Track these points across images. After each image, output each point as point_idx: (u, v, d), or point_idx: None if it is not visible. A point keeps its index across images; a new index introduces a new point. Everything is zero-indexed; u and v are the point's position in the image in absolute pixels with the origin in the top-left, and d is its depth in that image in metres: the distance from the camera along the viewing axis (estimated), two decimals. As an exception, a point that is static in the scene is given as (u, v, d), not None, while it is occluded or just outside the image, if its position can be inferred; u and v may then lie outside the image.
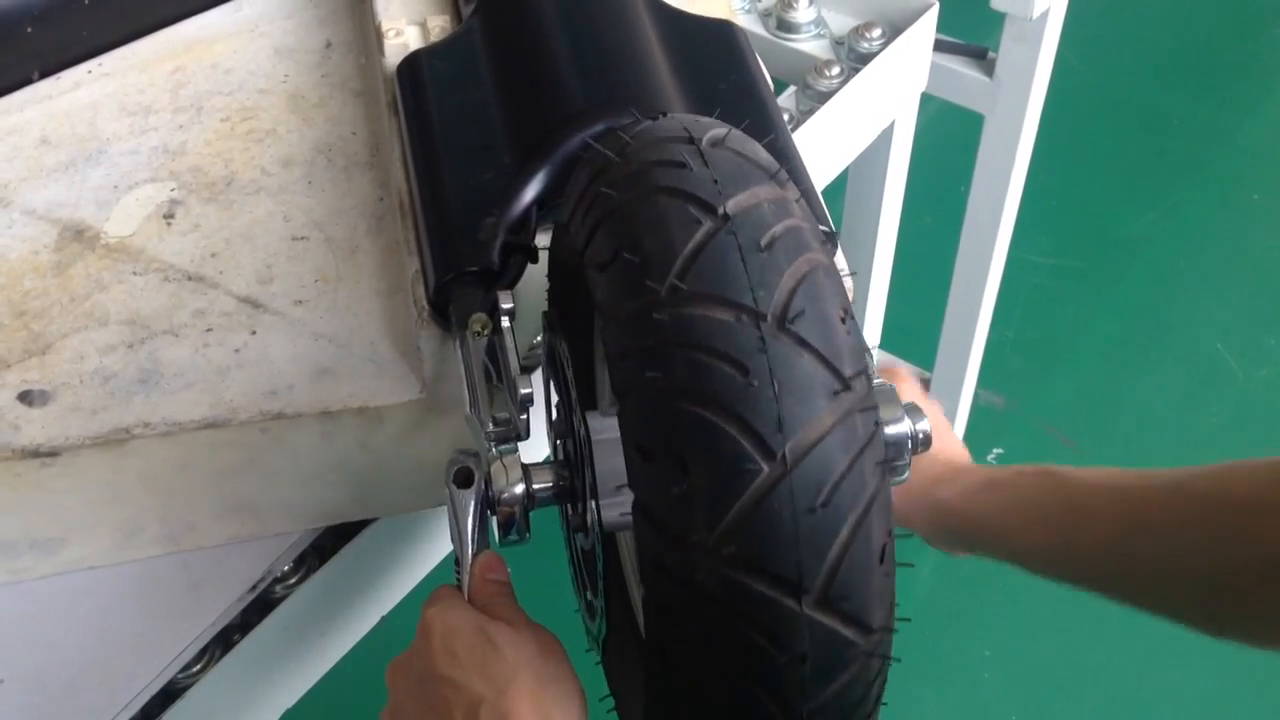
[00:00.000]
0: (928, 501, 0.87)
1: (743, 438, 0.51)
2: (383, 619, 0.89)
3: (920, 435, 0.64)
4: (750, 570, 0.51)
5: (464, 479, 0.66)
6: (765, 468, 0.50)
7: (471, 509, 0.66)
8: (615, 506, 0.63)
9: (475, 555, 0.66)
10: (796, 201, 0.57)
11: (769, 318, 0.52)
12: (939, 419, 0.91)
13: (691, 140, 0.57)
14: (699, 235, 0.53)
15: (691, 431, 0.51)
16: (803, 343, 0.52)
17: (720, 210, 0.54)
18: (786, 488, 0.51)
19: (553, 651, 0.61)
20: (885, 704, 0.58)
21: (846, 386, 0.53)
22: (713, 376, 0.51)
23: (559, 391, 0.72)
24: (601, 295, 0.55)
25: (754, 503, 0.50)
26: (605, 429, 0.64)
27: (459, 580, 0.66)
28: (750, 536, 0.51)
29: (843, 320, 0.54)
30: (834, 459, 0.51)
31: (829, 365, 0.53)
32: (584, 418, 0.64)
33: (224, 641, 0.79)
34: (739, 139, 0.59)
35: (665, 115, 0.61)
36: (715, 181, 0.55)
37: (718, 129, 0.59)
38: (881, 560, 0.53)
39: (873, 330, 1.46)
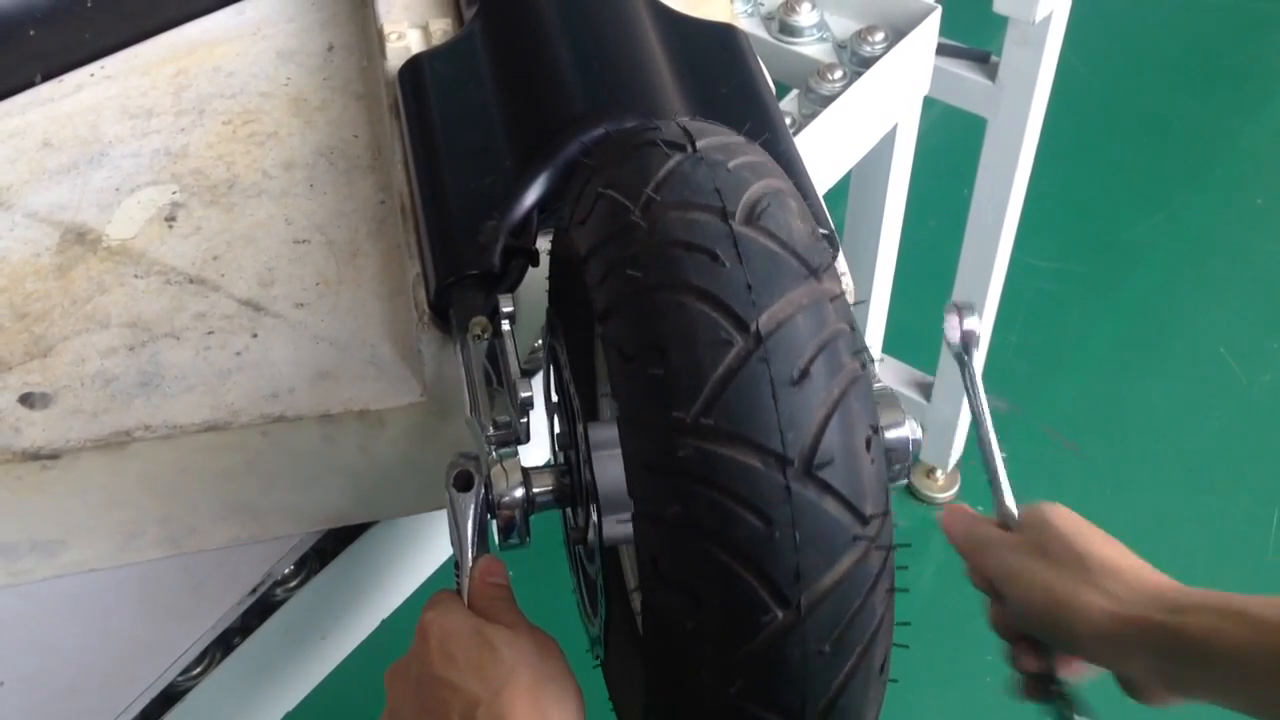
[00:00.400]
0: (1146, 626, 0.67)
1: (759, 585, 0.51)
2: (383, 622, 0.89)
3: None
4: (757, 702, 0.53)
5: (464, 482, 0.66)
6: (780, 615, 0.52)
7: (471, 512, 0.66)
8: (616, 520, 0.63)
9: (475, 559, 0.65)
10: (834, 301, 0.55)
11: (796, 463, 0.51)
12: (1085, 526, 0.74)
13: (724, 215, 0.55)
14: (729, 359, 0.52)
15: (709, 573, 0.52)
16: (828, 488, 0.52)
17: (753, 328, 0.52)
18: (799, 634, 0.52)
19: (550, 653, 0.61)
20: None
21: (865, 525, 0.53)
22: (736, 522, 0.51)
23: (559, 394, 0.72)
24: (621, 392, 0.54)
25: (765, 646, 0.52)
26: (606, 436, 0.64)
27: (459, 584, 0.66)
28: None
29: (868, 445, 0.54)
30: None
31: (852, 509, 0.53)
32: (585, 425, 0.64)
33: (224, 644, 0.79)
34: (776, 210, 0.56)
35: (692, 149, 0.58)
36: (749, 288, 0.53)
37: (754, 192, 0.56)
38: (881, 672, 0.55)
39: (875, 334, 1.46)
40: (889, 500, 0.55)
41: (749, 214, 0.55)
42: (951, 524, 0.77)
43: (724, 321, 0.52)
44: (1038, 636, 0.72)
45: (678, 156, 0.57)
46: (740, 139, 0.60)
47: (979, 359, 0.78)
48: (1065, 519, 0.72)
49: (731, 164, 0.56)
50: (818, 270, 0.55)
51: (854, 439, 0.53)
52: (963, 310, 0.77)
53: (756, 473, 0.51)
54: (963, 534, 0.76)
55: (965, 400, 0.76)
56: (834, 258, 0.75)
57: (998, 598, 0.74)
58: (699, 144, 0.57)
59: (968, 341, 0.77)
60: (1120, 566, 0.69)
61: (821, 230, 0.68)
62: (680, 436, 0.51)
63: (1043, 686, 0.73)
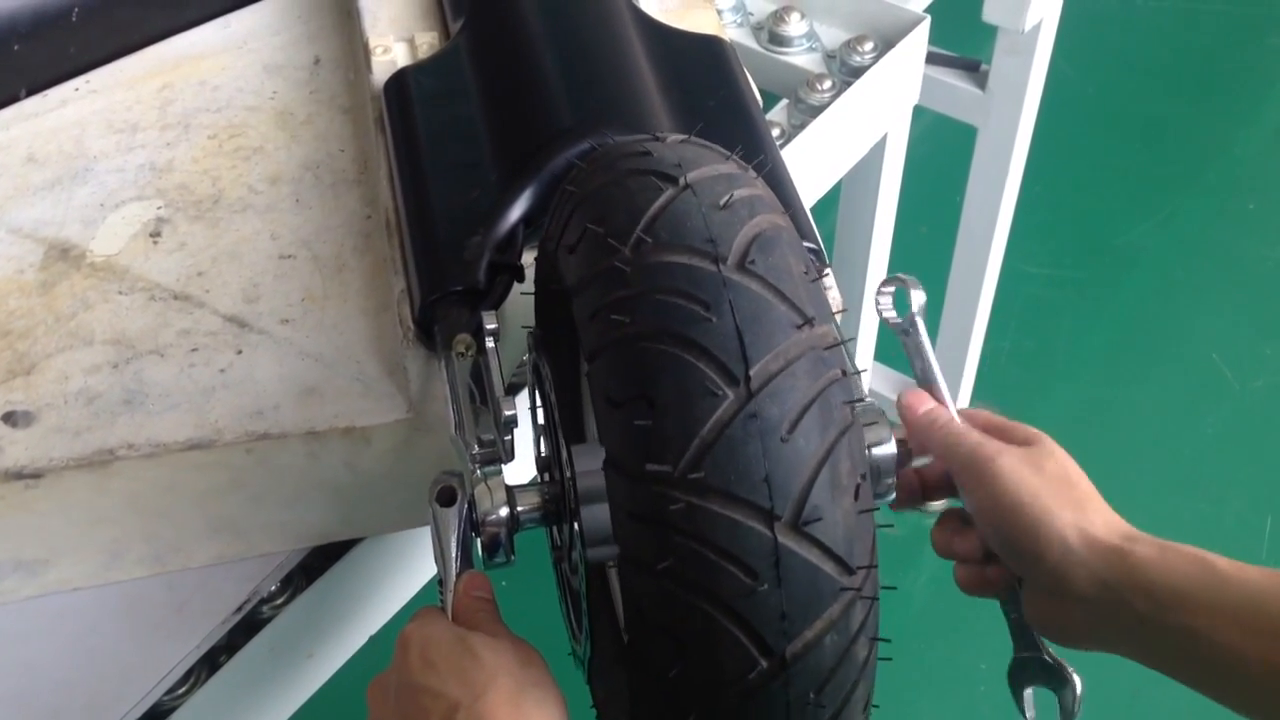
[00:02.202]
0: (1118, 555, 0.65)
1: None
2: (370, 639, 0.88)
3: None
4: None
5: (447, 498, 0.66)
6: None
7: (454, 528, 0.65)
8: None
9: (459, 574, 0.65)
10: (827, 350, 0.55)
11: (784, 518, 0.51)
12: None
13: (715, 260, 0.54)
14: (719, 414, 0.51)
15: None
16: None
17: (742, 384, 0.51)
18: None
19: (533, 660, 0.61)
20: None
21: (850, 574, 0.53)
22: (722, 577, 0.51)
23: (544, 412, 0.72)
24: (609, 440, 0.54)
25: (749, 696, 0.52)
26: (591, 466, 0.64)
27: (443, 600, 0.66)
28: None
29: (856, 495, 0.53)
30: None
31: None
32: (568, 446, 0.64)
33: (210, 663, 0.78)
34: (769, 248, 0.55)
35: (683, 184, 0.57)
36: (741, 341, 0.52)
37: (744, 240, 0.55)
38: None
39: (867, 342, 1.45)
40: (875, 551, 0.55)
41: (741, 259, 0.54)
42: (913, 406, 0.73)
43: (713, 374, 0.51)
44: (994, 543, 0.69)
45: (669, 191, 0.55)
46: (732, 166, 0.59)
47: (972, 366, 0.76)
48: (1065, 452, 0.70)
49: (724, 201, 0.55)
50: (812, 320, 0.54)
51: (843, 493, 0.53)
52: (909, 283, 0.74)
53: (744, 528, 0.51)
54: (926, 419, 0.72)
55: (958, 406, 0.74)
56: (821, 274, 0.75)
57: (946, 494, 0.72)
58: (690, 177, 0.56)
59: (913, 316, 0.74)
60: (1105, 505, 0.68)
61: (808, 245, 0.68)
62: (668, 489, 0.51)
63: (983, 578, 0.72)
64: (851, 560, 0.52)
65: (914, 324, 0.73)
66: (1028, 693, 0.72)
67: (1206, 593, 0.63)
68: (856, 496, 0.53)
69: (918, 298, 0.73)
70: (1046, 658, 0.71)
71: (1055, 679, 0.71)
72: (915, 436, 0.72)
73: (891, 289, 0.74)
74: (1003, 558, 0.70)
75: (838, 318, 0.74)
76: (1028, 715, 0.73)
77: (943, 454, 0.71)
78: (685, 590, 0.51)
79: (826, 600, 0.52)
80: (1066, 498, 0.67)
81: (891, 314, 0.74)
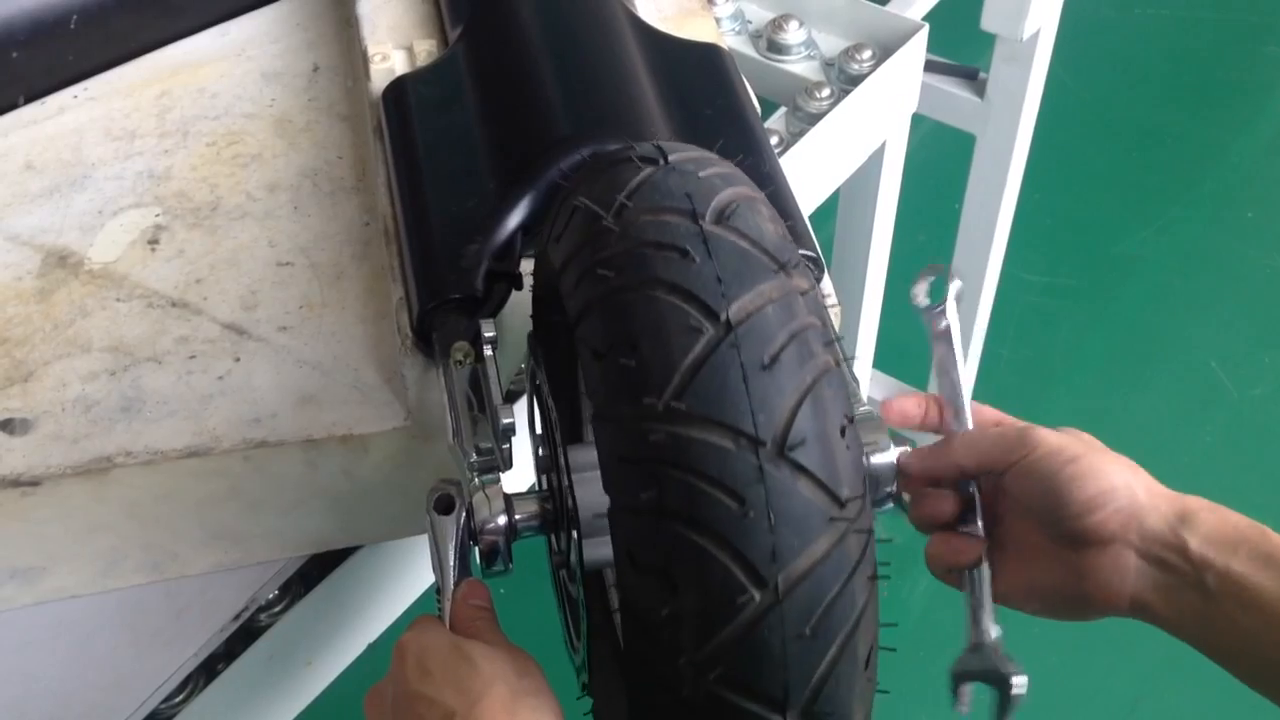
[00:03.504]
0: (1165, 493, 0.68)
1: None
2: (369, 647, 0.88)
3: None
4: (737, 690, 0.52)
5: (445, 506, 0.66)
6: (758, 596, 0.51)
7: (452, 536, 0.65)
8: (599, 541, 0.62)
9: (457, 583, 0.65)
10: (804, 295, 0.56)
11: (769, 444, 0.51)
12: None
13: (694, 216, 0.56)
14: (699, 348, 0.52)
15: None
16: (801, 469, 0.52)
17: (723, 317, 0.52)
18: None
19: (529, 669, 0.61)
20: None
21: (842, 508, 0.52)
22: (709, 504, 0.51)
23: (541, 419, 0.72)
24: (595, 390, 0.54)
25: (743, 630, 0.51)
26: (587, 461, 0.64)
27: (440, 608, 0.66)
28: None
29: (843, 433, 0.54)
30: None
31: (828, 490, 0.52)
32: (565, 450, 0.64)
33: (208, 671, 0.78)
34: (745, 210, 0.57)
35: (665, 162, 0.59)
36: (720, 280, 0.54)
37: (722, 201, 0.57)
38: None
39: (866, 350, 1.45)
40: (866, 486, 0.54)
41: (718, 216, 0.55)
42: (905, 409, 0.75)
43: (694, 312, 0.52)
44: (1042, 502, 0.69)
45: (649, 169, 0.57)
46: (712, 154, 0.60)
47: (971, 373, 0.77)
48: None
49: (702, 173, 0.57)
50: (787, 265, 0.55)
51: (827, 424, 0.53)
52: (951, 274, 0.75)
53: (729, 454, 0.51)
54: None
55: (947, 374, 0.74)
56: (819, 277, 0.75)
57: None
58: (671, 158, 0.58)
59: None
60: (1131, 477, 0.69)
61: (806, 253, 0.68)
62: (652, 423, 0.51)
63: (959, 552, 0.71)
64: (840, 490, 0.52)
65: (946, 311, 0.74)
66: (966, 687, 0.70)
67: (1259, 546, 0.66)
68: (843, 434, 0.53)
69: (955, 286, 0.74)
70: (994, 650, 0.69)
71: (998, 676, 0.68)
72: (972, 441, 0.72)
73: (931, 277, 0.75)
74: (1057, 515, 0.68)
75: (835, 317, 0.75)
76: (962, 710, 0.71)
77: (965, 448, 0.71)
78: (673, 521, 0.51)
79: (816, 529, 0.51)
80: (1118, 460, 0.70)
81: (926, 301, 0.75)
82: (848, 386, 0.56)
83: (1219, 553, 0.66)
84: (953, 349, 0.74)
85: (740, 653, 0.51)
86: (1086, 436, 0.71)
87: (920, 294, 0.75)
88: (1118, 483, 0.68)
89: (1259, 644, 0.65)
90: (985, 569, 0.70)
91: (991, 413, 0.76)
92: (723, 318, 0.52)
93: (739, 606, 0.51)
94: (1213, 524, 0.67)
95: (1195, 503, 0.68)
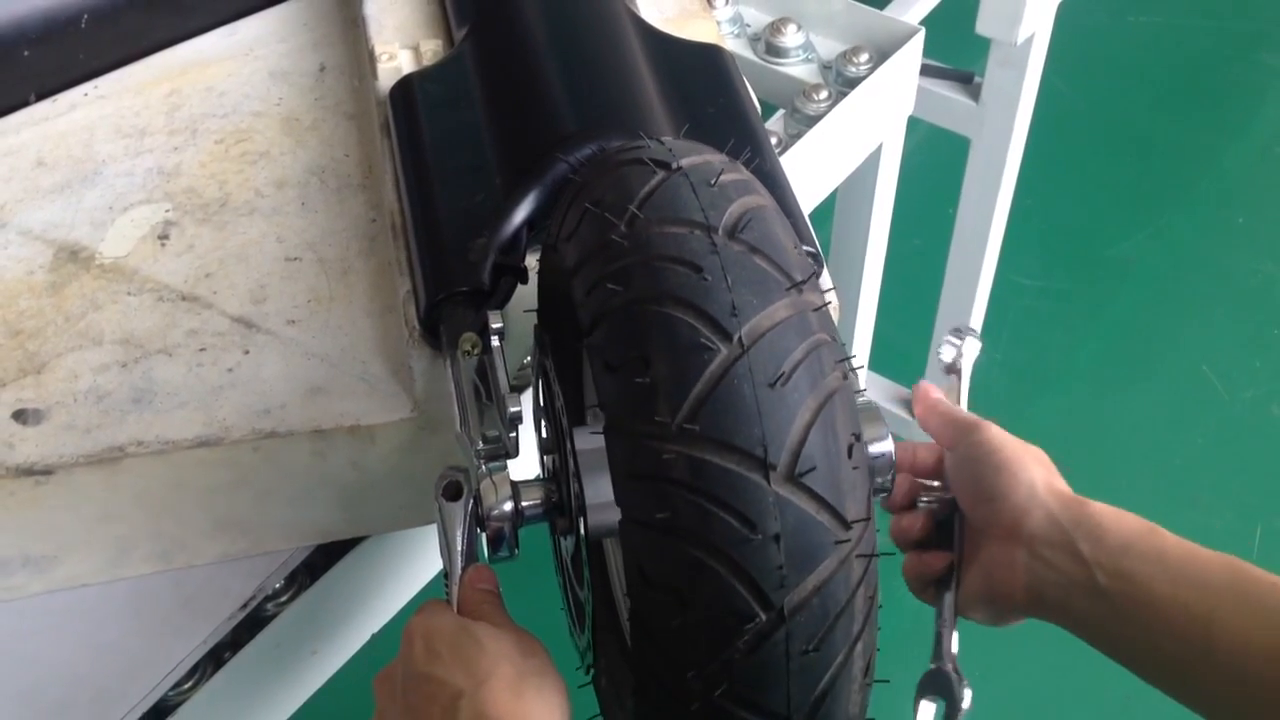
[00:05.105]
0: (1065, 496, 0.72)
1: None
2: (374, 637, 0.89)
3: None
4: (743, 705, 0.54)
5: (453, 492, 0.67)
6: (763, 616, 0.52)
7: (459, 521, 0.67)
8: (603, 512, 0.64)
9: (464, 567, 0.66)
10: (816, 312, 0.57)
11: (779, 468, 0.53)
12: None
13: (708, 229, 0.56)
14: (712, 367, 0.53)
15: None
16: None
17: (735, 337, 0.53)
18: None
19: (535, 650, 0.62)
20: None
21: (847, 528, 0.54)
22: (719, 526, 0.52)
23: (547, 408, 0.73)
24: (607, 402, 0.55)
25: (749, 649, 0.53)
26: (592, 444, 0.65)
27: (449, 593, 0.67)
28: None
29: (850, 452, 0.55)
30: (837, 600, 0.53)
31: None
32: (572, 436, 0.65)
33: (215, 659, 0.79)
34: (759, 226, 0.57)
35: (676, 167, 0.59)
36: (732, 299, 0.54)
37: (735, 214, 0.57)
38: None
39: (861, 351, 1.47)
40: (871, 507, 0.56)
41: (732, 229, 0.56)
42: (926, 390, 0.83)
43: (707, 331, 0.53)
44: (964, 491, 0.75)
45: (661, 174, 0.58)
46: (723, 157, 0.61)
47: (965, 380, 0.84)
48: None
49: (713, 181, 0.58)
50: (801, 284, 0.56)
51: (836, 445, 0.54)
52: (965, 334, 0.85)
53: (740, 477, 0.52)
54: (935, 398, 0.82)
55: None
56: (819, 274, 0.77)
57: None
58: (683, 163, 0.59)
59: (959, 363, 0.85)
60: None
61: (806, 248, 0.69)
62: (664, 442, 0.52)
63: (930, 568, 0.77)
64: (846, 513, 0.53)
65: (960, 368, 0.86)
66: (925, 704, 0.76)
67: (1148, 546, 0.69)
68: (850, 454, 0.54)
69: (973, 347, 0.86)
70: (951, 668, 0.76)
71: (949, 690, 0.76)
72: (922, 411, 0.80)
73: (960, 341, 0.86)
74: (969, 502, 0.75)
75: (833, 312, 0.76)
76: None
77: (942, 421, 0.78)
78: (683, 541, 0.52)
79: (823, 553, 0.53)
80: (1040, 461, 0.74)
81: (950, 358, 0.86)
82: (855, 401, 0.57)
83: (1109, 553, 0.69)
84: (960, 398, 0.84)
85: (746, 671, 0.53)
86: (1035, 447, 0.76)
87: (946, 351, 0.86)
88: (1021, 479, 0.72)
89: (1154, 643, 0.67)
90: (950, 597, 0.77)
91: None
92: (735, 337, 0.53)
93: (746, 628, 0.52)
94: (1105, 525, 0.70)
95: (1094, 506, 0.71)
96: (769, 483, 0.52)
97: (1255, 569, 0.67)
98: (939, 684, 0.76)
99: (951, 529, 0.78)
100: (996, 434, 0.75)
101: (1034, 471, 0.73)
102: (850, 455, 0.54)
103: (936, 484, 0.79)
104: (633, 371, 0.53)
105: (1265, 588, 0.65)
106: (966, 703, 0.74)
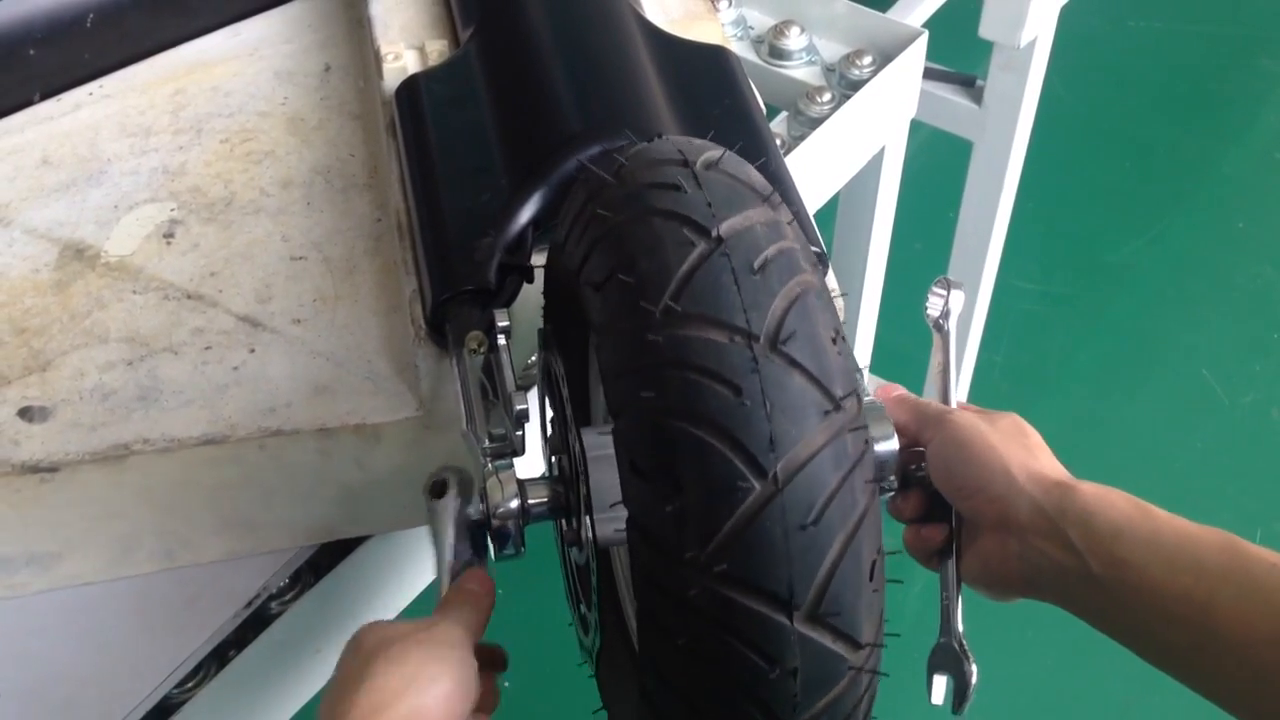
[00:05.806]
0: (1046, 481, 0.69)
1: (735, 457, 0.52)
2: (376, 636, 0.89)
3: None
4: (742, 587, 0.52)
5: (438, 490, 0.68)
6: (757, 486, 0.52)
7: (445, 519, 0.67)
8: (610, 522, 0.64)
9: (453, 568, 0.67)
10: (789, 224, 0.58)
11: (761, 339, 0.53)
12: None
13: (686, 163, 0.58)
14: (693, 257, 0.54)
15: (685, 451, 0.52)
16: (794, 363, 0.53)
17: (714, 233, 0.55)
18: (778, 505, 0.52)
19: (441, 690, 0.61)
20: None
21: (837, 407, 0.54)
22: (706, 396, 0.52)
23: (554, 407, 0.73)
24: (597, 315, 0.56)
25: (746, 521, 0.52)
26: (600, 445, 0.65)
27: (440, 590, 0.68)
28: (742, 553, 0.52)
29: (834, 341, 0.55)
30: (825, 477, 0.53)
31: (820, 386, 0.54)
32: (579, 433, 0.65)
33: (219, 657, 0.79)
34: (733, 162, 0.60)
35: (660, 137, 0.62)
36: (709, 205, 0.56)
37: (711, 151, 0.60)
38: (871, 577, 0.54)
39: (863, 353, 1.47)
40: (860, 388, 0.56)
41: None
42: (885, 390, 0.81)
43: (687, 230, 0.55)
44: (944, 485, 0.73)
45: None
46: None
47: (965, 380, 0.83)
48: (1024, 421, 0.75)
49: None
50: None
51: (817, 327, 0.54)
52: (952, 285, 0.83)
53: (723, 347, 0.52)
54: (898, 395, 0.80)
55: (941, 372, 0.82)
56: (824, 271, 0.77)
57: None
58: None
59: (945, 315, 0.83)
60: (1052, 456, 0.72)
61: (812, 248, 0.70)
62: (650, 328, 0.53)
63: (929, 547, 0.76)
64: (833, 387, 0.54)
65: (946, 319, 0.83)
66: (938, 678, 0.76)
67: (1141, 530, 0.66)
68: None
69: (958, 299, 0.84)
70: (956, 644, 0.75)
71: (958, 666, 0.75)
72: (892, 410, 0.75)
73: (944, 292, 0.83)
74: (950, 497, 0.73)
75: (840, 308, 0.77)
76: (933, 699, 0.77)
77: (911, 416, 0.75)
78: (672, 417, 0.52)
79: (812, 421, 0.53)
80: (1016, 442, 0.72)
81: (936, 311, 0.83)
82: (836, 312, 0.57)
83: (1101, 540, 0.67)
84: (948, 352, 0.81)
85: (743, 546, 0.52)
86: (1006, 421, 0.73)
87: (934, 304, 0.83)
88: (995, 469, 0.70)
89: (1153, 628, 0.66)
90: (953, 568, 0.75)
91: (967, 407, 0.79)
92: (714, 233, 0.55)
93: (740, 497, 0.51)
94: (1092, 509, 0.68)
95: (1078, 489, 0.69)
96: (753, 350, 0.52)
97: (1252, 547, 0.65)
98: (947, 659, 0.75)
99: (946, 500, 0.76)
100: (963, 424, 0.72)
101: (1008, 457, 0.70)
102: (834, 343, 0.55)
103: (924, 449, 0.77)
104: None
105: (1265, 568, 0.64)
106: (974, 679, 0.74)
